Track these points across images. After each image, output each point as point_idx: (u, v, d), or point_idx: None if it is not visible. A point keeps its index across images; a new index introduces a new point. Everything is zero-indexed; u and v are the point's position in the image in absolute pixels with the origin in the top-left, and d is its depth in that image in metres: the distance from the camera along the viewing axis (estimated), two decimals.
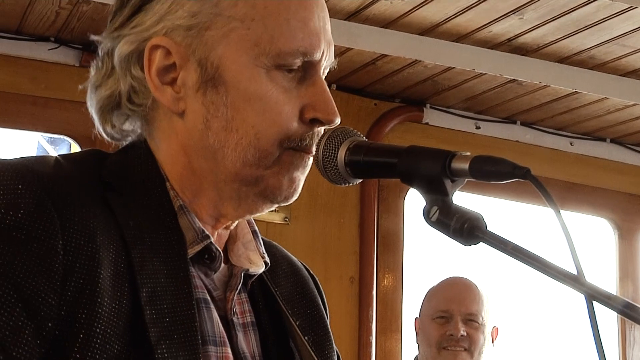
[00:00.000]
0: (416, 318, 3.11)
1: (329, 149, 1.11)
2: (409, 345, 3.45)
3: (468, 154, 1.05)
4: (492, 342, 3.04)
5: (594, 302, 0.94)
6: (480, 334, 2.96)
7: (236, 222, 1.15)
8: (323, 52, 1.09)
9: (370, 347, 3.39)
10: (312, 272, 1.27)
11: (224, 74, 1.05)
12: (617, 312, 0.94)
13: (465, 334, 2.94)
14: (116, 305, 0.95)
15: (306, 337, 1.15)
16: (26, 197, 0.94)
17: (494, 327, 3.04)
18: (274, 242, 1.24)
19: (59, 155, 1.08)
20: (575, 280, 0.95)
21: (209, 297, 1.07)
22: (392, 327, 3.48)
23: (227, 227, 1.14)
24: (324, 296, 1.25)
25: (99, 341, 0.93)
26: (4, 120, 3.13)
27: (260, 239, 1.17)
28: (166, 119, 1.09)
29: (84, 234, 0.96)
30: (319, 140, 1.10)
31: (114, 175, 1.05)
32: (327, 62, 1.11)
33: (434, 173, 1.04)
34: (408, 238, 3.56)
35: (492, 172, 1.02)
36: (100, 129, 1.13)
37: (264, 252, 1.16)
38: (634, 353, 3.74)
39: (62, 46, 3.12)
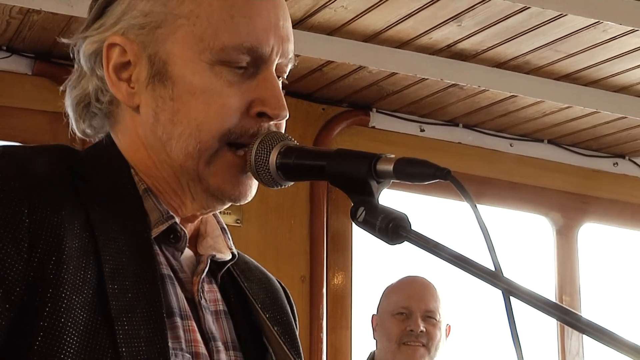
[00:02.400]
0: (373, 315, 3.14)
1: (261, 153, 1.10)
2: (359, 341, 3.53)
3: (392, 156, 1.06)
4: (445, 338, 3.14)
5: (512, 298, 0.94)
6: (437, 331, 3.01)
7: (200, 217, 1.16)
8: (273, 48, 1.10)
9: (321, 343, 3.44)
10: (283, 285, 1.27)
11: (170, 69, 1.08)
12: (535, 308, 0.94)
13: (424, 330, 2.98)
14: (81, 275, 0.97)
15: (276, 328, 1.17)
16: None
17: (447, 324, 3.10)
18: (247, 256, 1.25)
19: (30, 145, 1.12)
20: (493, 277, 0.96)
21: (173, 275, 1.08)
22: (342, 324, 3.53)
23: (190, 220, 1.15)
24: (295, 308, 1.25)
25: (64, 306, 0.94)
26: None
27: (229, 235, 1.18)
28: (127, 115, 1.12)
29: (49, 206, 0.98)
30: (252, 144, 1.10)
31: (83, 165, 1.07)
32: (280, 58, 1.11)
33: (360, 175, 1.06)
34: (357, 238, 3.62)
35: (415, 173, 1.03)
36: (75, 127, 1.16)
37: (232, 246, 1.17)
38: (571, 344, 3.87)
39: (14, 55, 3.15)
